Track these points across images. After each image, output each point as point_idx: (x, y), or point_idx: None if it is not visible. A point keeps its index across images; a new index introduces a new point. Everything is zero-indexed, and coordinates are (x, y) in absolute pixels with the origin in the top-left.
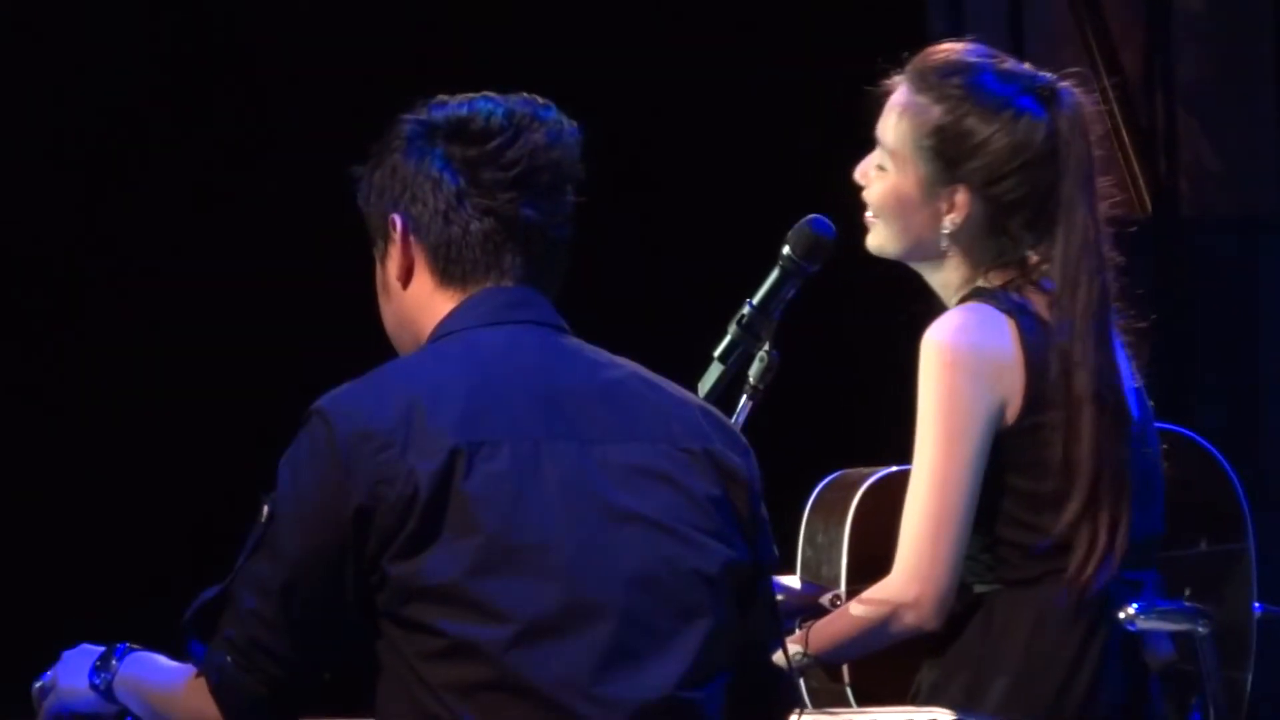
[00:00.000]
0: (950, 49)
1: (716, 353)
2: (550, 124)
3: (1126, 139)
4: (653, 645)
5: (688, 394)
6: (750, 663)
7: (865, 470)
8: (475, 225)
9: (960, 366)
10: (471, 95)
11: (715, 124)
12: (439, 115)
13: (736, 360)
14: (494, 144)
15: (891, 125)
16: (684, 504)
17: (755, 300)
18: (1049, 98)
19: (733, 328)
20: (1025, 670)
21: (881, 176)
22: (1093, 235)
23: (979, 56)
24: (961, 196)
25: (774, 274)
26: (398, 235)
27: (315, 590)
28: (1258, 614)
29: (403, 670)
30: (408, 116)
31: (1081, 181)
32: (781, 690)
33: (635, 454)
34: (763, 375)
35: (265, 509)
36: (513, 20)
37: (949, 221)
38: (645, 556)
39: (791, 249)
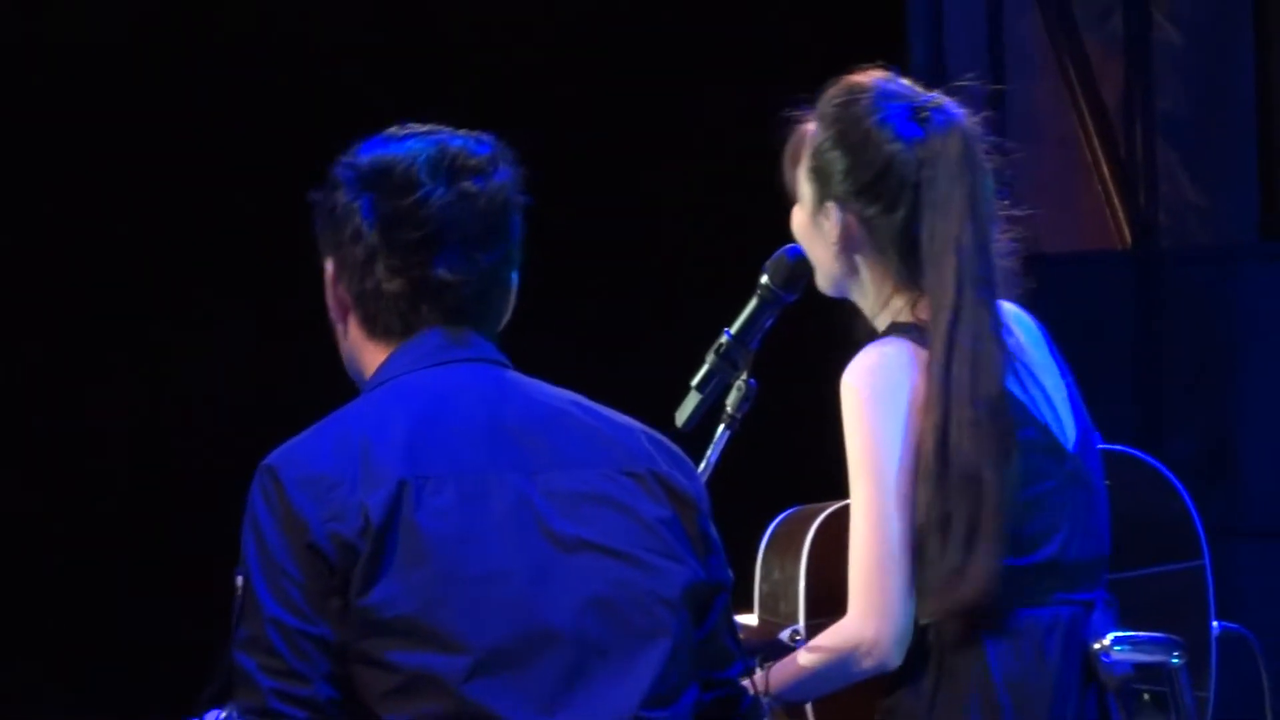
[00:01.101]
0: (849, 77)
1: (694, 382)
2: (479, 165)
3: (1106, 170)
4: (611, 669)
5: (629, 419)
6: (713, 681)
7: (819, 505)
8: (387, 286)
9: (876, 406)
10: (406, 131)
11: (694, 151)
12: (365, 160)
13: (714, 389)
14: (410, 200)
15: (791, 156)
16: (633, 527)
17: (733, 329)
18: (924, 119)
19: (710, 357)
20: (982, 702)
21: (794, 212)
22: (965, 256)
23: (873, 79)
24: (834, 214)
25: (752, 303)
26: (330, 279)
27: (309, 628)
28: (1217, 632)
29: (364, 717)
30: (343, 159)
31: (943, 205)
32: (746, 708)
33: (581, 481)
34: (740, 404)
35: (239, 580)
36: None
37: (831, 242)
38: (598, 582)
39: (770, 278)
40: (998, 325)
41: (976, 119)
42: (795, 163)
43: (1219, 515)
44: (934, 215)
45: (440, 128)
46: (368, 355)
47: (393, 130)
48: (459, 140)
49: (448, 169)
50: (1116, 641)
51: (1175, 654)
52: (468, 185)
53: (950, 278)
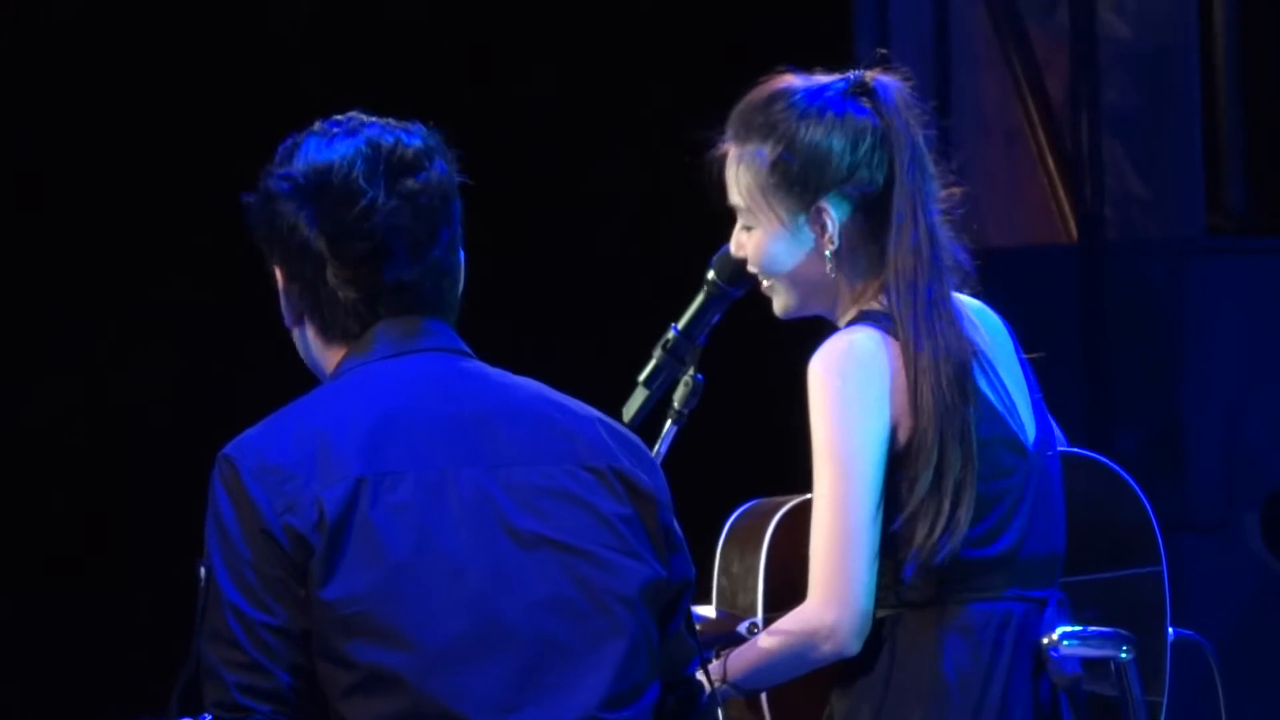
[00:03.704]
0: (758, 88)
1: (641, 377)
2: (416, 160)
3: (1052, 164)
4: (569, 667)
5: (593, 411)
6: (673, 680)
7: (779, 499)
8: (341, 294)
9: (843, 395)
10: (333, 130)
11: (637, 146)
12: (300, 170)
13: (661, 385)
14: (355, 212)
15: (734, 182)
16: (593, 524)
17: (680, 325)
18: (866, 91)
19: (657, 352)
20: (934, 693)
21: (751, 237)
22: (922, 220)
23: (790, 82)
24: (828, 210)
25: (699, 298)
26: (281, 286)
27: (269, 618)
28: (1171, 638)
29: (327, 715)
30: (276, 169)
31: (909, 167)
32: (703, 707)
33: (541, 476)
34: (687, 400)
35: (202, 572)
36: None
37: (828, 241)
38: (556, 579)
39: (716, 273)
40: (949, 287)
41: (907, 82)
42: (742, 191)
43: (1166, 509)
44: (904, 180)
45: (363, 118)
46: (328, 354)
47: (317, 128)
48: (389, 134)
49: (386, 169)
50: (1065, 636)
51: (1124, 649)
52: (409, 184)
53: (922, 238)
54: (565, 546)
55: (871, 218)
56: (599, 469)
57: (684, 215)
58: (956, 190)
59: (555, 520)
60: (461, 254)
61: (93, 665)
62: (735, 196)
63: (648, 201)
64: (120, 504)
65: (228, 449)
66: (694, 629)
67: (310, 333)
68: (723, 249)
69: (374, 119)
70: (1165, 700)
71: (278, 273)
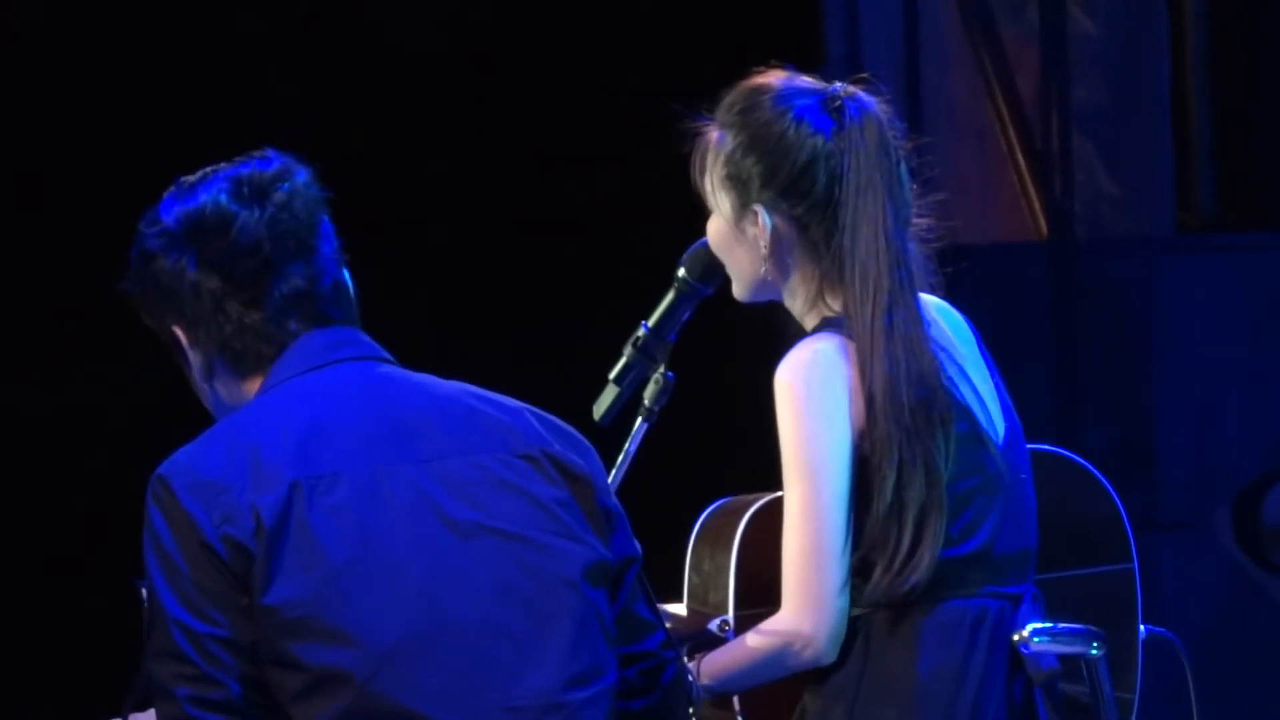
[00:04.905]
0: (750, 80)
1: (611, 375)
2: (276, 175)
3: (1022, 162)
4: (520, 653)
5: (518, 403)
6: (633, 654)
7: (749, 497)
8: (247, 319)
9: (810, 404)
10: (187, 185)
11: (612, 150)
12: (171, 220)
13: (632, 383)
14: (233, 233)
15: (698, 168)
16: (530, 510)
17: (650, 322)
18: (836, 109)
19: (628, 350)
20: (908, 691)
21: (710, 220)
22: (890, 241)
23: (775, 79)
24: (761, 217)
25: (669, 296)
26: (184, 344)
27: (214, 630)
28: (1143, 635)
29: (283, 715)
30: (147, 230)
31: (865, 190)
32: (670, 677)
33: (474, 466)
34: (658, 397)
35: (144, 592)
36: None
37: (761, 246)
38: (499, 566)
39: (687, 271)
40: (919, 310)
41: (887, 104)
42: (704, 173)
43: (1136, 507)
44: (858, 202)
45: (214, 167)
46: (245, 389)
47: (171, 191)
48: (245, 166)
49: (250, 191)
50: (1035, 633)
51: (1095, 645)
52: (277, 195)
53: (880, 262)
54: (505, 534)
55: (813, 231)
56: (532, 455)
57: (655, 212)
58: (930, 192)
59: (492, 509)
60: (346, 272)
61: (92, 667)
62: (696, 176)
63: (617, 198)
64: (120, 504)
65: (161, 469)
66: (652, 603)
67: (222, 380)
68: (694, 246)
69: (223, 165)
70: (1136, 697)
71: (178, 333)
